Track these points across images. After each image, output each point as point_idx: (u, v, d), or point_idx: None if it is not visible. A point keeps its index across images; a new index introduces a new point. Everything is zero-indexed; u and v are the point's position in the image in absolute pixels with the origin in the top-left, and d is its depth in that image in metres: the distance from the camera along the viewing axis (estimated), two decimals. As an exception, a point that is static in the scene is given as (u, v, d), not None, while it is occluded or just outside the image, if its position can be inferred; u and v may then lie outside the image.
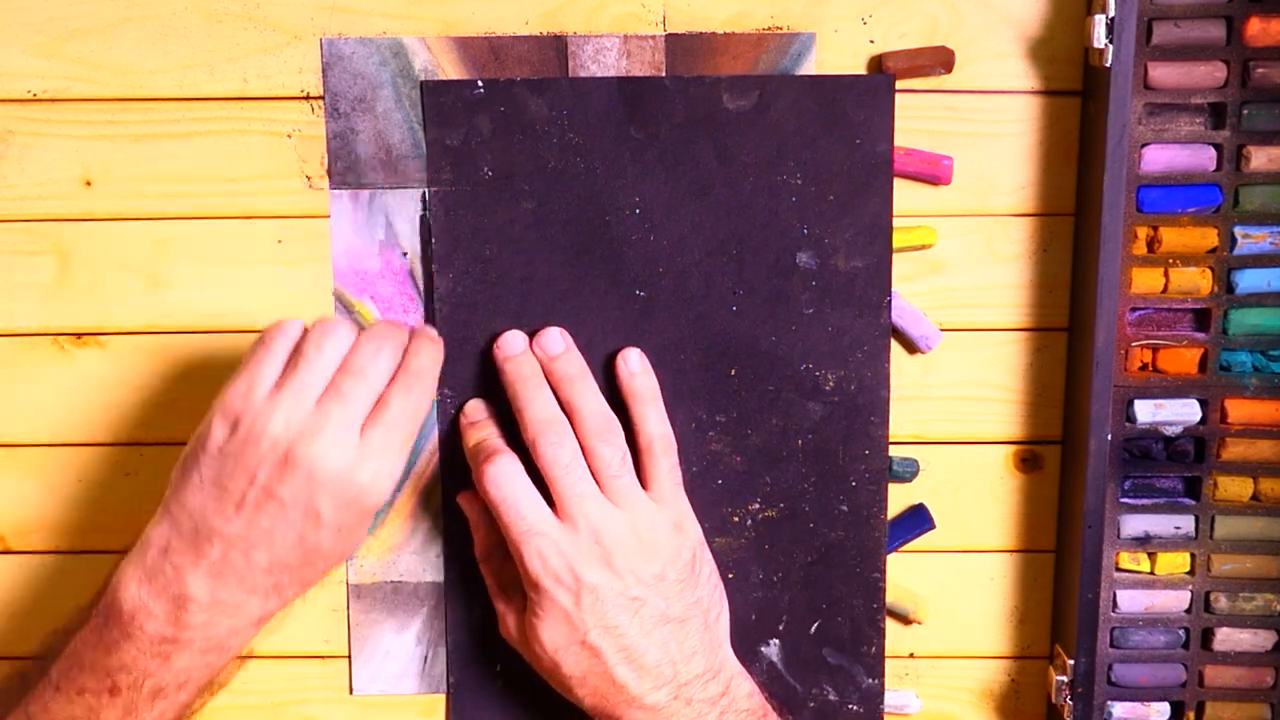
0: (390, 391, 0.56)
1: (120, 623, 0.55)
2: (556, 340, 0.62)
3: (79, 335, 0.65)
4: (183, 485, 0.56)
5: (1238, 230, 0.62)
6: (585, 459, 0.60)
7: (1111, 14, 0.58)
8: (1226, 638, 0.65)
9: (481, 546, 0.64)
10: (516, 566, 0.62)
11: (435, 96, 0.62)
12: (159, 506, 0.57)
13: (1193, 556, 0.64)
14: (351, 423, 0.55)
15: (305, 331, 0.57)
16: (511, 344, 0.62)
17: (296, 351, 0.56)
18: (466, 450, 0.62)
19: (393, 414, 0.56)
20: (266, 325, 0.57)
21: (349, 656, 0.67)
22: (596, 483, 0.60)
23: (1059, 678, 0.65)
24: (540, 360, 0.62)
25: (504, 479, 0.59)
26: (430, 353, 0.58)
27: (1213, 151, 0.61)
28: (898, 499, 0.66)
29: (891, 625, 0.67)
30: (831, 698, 0.66)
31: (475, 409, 0.64)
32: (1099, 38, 0.58)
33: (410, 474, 0.65)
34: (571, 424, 0.60)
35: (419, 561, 0.66)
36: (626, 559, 0.59)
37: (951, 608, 0.67)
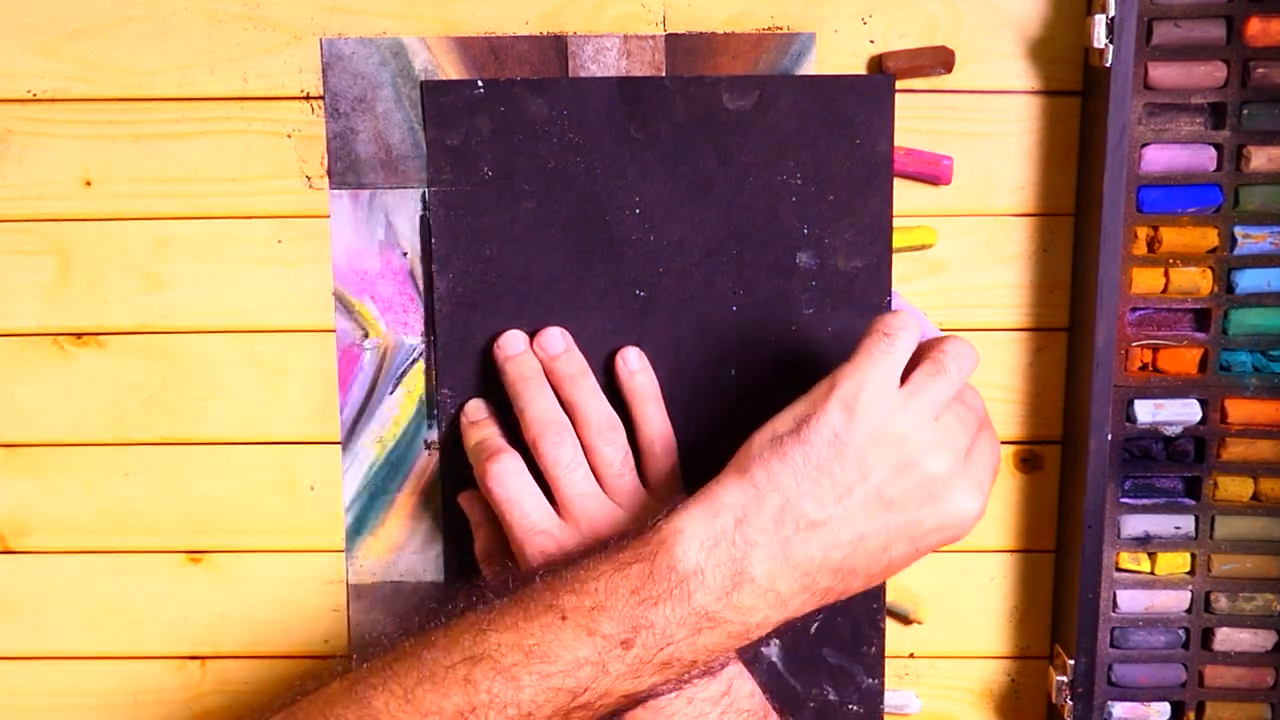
0: (982, 434, 0.54)
1: (668, 580, 0.51)
2: (557, 340, 0.62)
3: (79, 335, 0.65)
4: (777, 459, 0.52)
5: (1238, 230, 0.62)
6: (587, 458, 0.60)
7: (1111, 14, 0.58)
8: (1226, 638, 0.65)
9: (482, 547, 0.64)
10: (515, 568, 0.62)
11: (435, 96, 0.62)
12: (733, 470, 0.53)
13: (1193, 556, 0.64)
14: (966, 449, 0.53)
15: (937, 338, 0.55)
16: (512, 343, 0.62)
17: (927, 361, 0.53)
18: (468, 449, 0.62)
19: (987, 457, 0.54)
20: (884, 315, 0.54)
21: (349, 656, 0.67)
22: (599, 482, 0.60)
23: (1059, 678, 0.65)
24: (541, 360, 0.62)
25: (506, 478, 0.59)
26: (994, 434, 0.55)
27: (1213, 151, 0.61)
28: (898, 499, 0.66)
29: (891, 625, 0.67)
30: (831, 698, 0.66)
31: (476, 409, 0.63)
32: (1099, 38, 0.58)
33: (410, 474, 0.65)
34: (573, 423, 0.60)
35: (419, 561, 0.66)
36: (627, 558, 0.59)
37: (951, 608, 0.67)
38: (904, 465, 0.52)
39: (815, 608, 0.54)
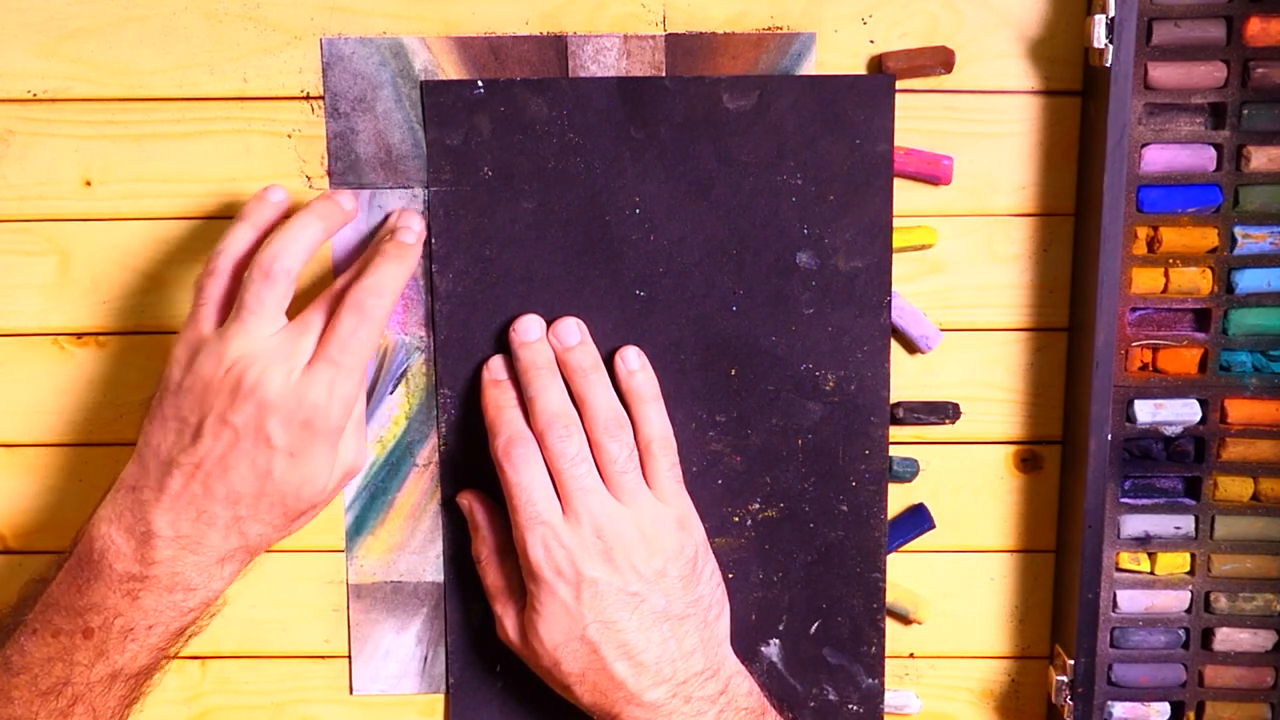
0: (341, 310, 0.57)
1: (91, 562, 0.57)
2: (573, 331, 0.62)
3: (79, 335, 0.65)
4: (148, 425, 0.58)
5: (1238, 230, 0.62)
6: (592, 453, 0.60)
7: (1111, 14, 0.58)
8: (1226, 638, 0.65)
9: (479, 548, 0.64)
10: (514, 569, 0.62)
11: (435, 96, 0.62)
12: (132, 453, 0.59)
13: (1193, 556, 0.64)
14: (301, 350, 0.57)
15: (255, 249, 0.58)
16: (528, 329, 0.63)
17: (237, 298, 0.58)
18: (486, 410, 0.62)
19: (342, 333, 0.57)
20: (199, 276, 0.59)
21: (349, 656, 0.67)
22: (602, 478, 0.60)
23: (1059, 678, 0.65)
24: (555, 350, 0.62)
25: (523, 463, 0.60)
26: (391, 271, 0.58)
27: (1213, 151, 0.61)
28: (898, 499, 0.66)
29: (891, 625, 0.67)
30: (831, 698, 0.66)
31: (498, 366, 0.63)
32: (1099, 38, 0.58)
33: (410, 473, 0.65)
34: (580, 417, 0.61)
35: (419, 561, 0.66)
36: (627, 555, 0.59)
37: (951, 608, 0.67)
38: (234, 387, 0.56)
39: (248, 541, 0.58)
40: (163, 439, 0.57)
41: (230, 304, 0.58)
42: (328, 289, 0.59)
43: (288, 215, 0.60)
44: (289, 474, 0.57)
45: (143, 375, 0.65)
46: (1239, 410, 0.63)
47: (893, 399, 0.64)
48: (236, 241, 0.59)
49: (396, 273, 0.59)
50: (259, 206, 0.60)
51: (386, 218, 0.63)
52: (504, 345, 0.63)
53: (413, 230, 0.61)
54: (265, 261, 0.57)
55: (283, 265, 0.57)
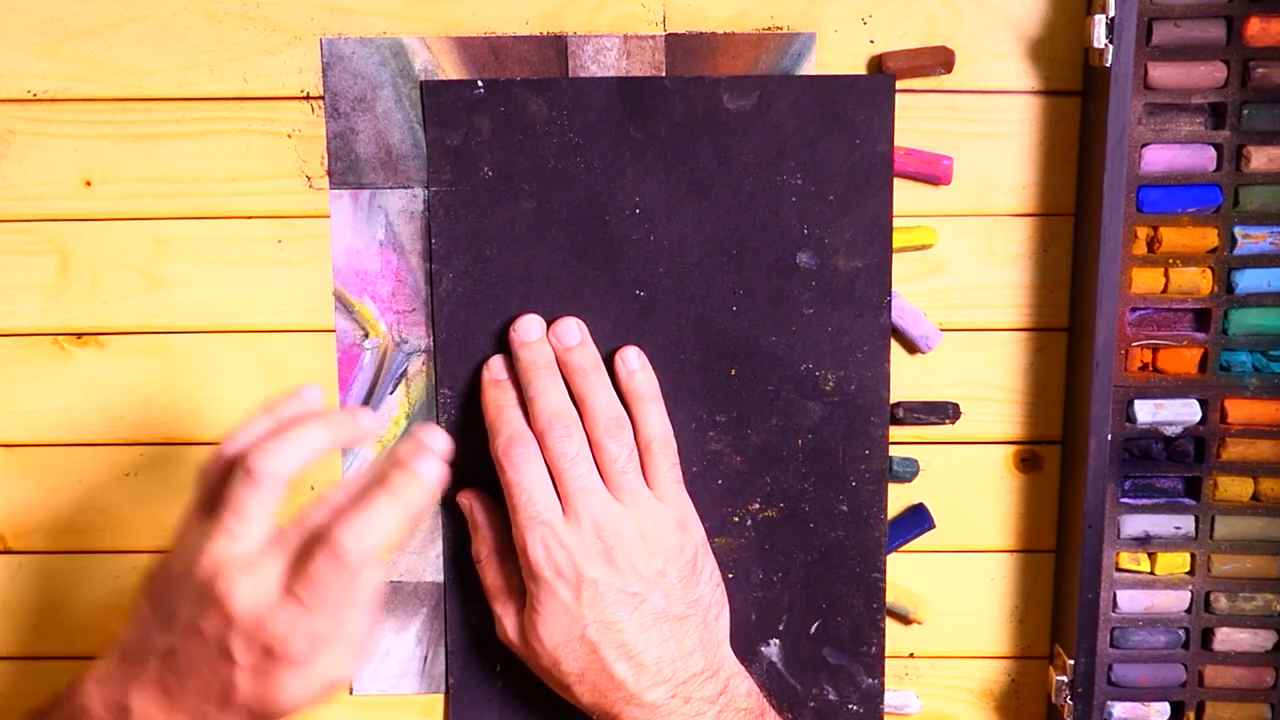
0: (317, 549, 0.52)
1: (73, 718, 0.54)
2: (573, 331, 0.62)
3: (79, 335, 0.65)
4: (144, 596, 0.55)
5: (1238, 230, 0.62)
6: (593, 454, 0.60)
7: (1111, 14, 0.58)
8: (1226, 638, 0.65)
9: (479, 548, 0.64)
10: (514, 568, 0.62)
11: (435, 96, 0.62)
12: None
13: (1193, 556, 0.64)
14: (274, 567, 0.52)
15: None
16: (528, 329, 0.63)
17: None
18: (486, 409, 0.62)
19: (315, 576, 0.52)
20: (231, 430, 0.55)
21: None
22: (604, 478, 0.60)
23: (1059, 678, 0.65)
24: (556, 350, 0.62)
25: (523, 462, 0.60)
26: (386, 511, 0.53)
27: (1213, 151, 0.61)
28: (898, 499, 0.66)
29: (891, 625, 0.67)
30: (831, 698, 0.66)
31: (499, 366, 0.63)
32: (1099, 38, 0.58)
33: (410, 474, 0.65)
34: (581, 417, 0.61)
35: (419, 561, 0.66)
36: (627, 555, 0.59)
37: (951, 608, 0.67)
38: (204, 594, 0.52)
39: None
40: (149, 613, 0.54)
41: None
42: (322, 501, 0.54)
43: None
44: (252, 689, 0.53)
45: (143, 375, 0.65)
46: (1239, 410, 0.63)
47: (893, 399, 0.64)
48: (249, 434, 0.54)
49: (392, 514, 0.52)
50: (287, 401, 0.56)
51: (410, 433, 0.57)
52: (504, 345, 0.63)
53: (434, 457, 0.54)
54: (252, 460, 0.52)
55: (268, 468, 0.52)
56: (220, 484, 0.54)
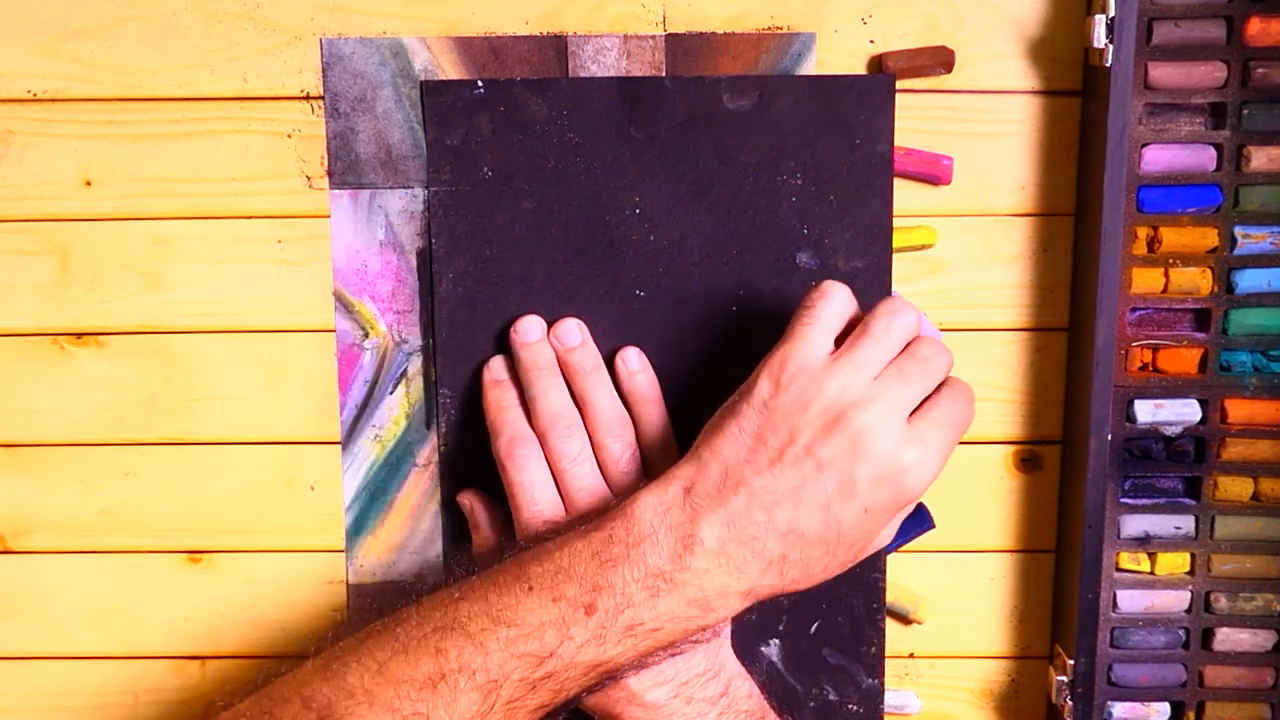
0: (942, 393, 0.55)
1: (625, 543, 0.53)
2: (574, 332, 0.62)
3: (79, 335, 0.65)
4: (718, 433, 0.55)
5: (1238, 230, 0.62)
6: (595, 454, 0.60)
7: (1111, 14, 0.58)
8: (1226, 638, 0.65)
9: (479, 548, 0.64)
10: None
11: (435, 96, 0.62)
12: (689, 450, 0.56)
13: (1193, 556, 0.64)
14: (907, 404, 0.54)
15: (871, 306, 0.56)
16: (529, 330, 0.62)
17: (859, 326, 0.55)
18: (487, 410, 0.62)
19: (943, 412, 0.54)
20: (811, 290, 0.56)
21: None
22: (605, 478, 0.60)
23: (1059, 678, 0.65)
24: (556, 350, 0.62)
25: (525, 461, 0.60)
26: (964, 392, 0.56)
27: (1213, 151, 0.61)
28: (898, 499, 0.66)
29: (891, 625, 0.67)
30: (831, 698, 0.66)
31: (499, 367, 0.63)
32: (1099, 38, 0.58)
33: (410, 474, 0.65)
34: (582, 417, 0.61)
35: (419, 561, 0.66)
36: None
37: (951, 608, 0.67)
38: (832, 423, 0.53)
39: (782, 584, 0.55)
40: (734, 452, 0.54)
41: (848, 330, 0.56)
42: (918, 341, 0.56)
43: None
44: (856, 528, 0.54)
45: (143, 375, 0.65)
46: (1239, 410, 0.63)
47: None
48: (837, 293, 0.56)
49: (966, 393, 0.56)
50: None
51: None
52: (504, 345, 0.63)
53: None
54: (890, 305, 0.55)
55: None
56: (845, 317, 0.56)
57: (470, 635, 0.52)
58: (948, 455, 0.55)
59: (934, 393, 0.55)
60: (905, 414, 0.54)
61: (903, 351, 0.55)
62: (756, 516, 0.53)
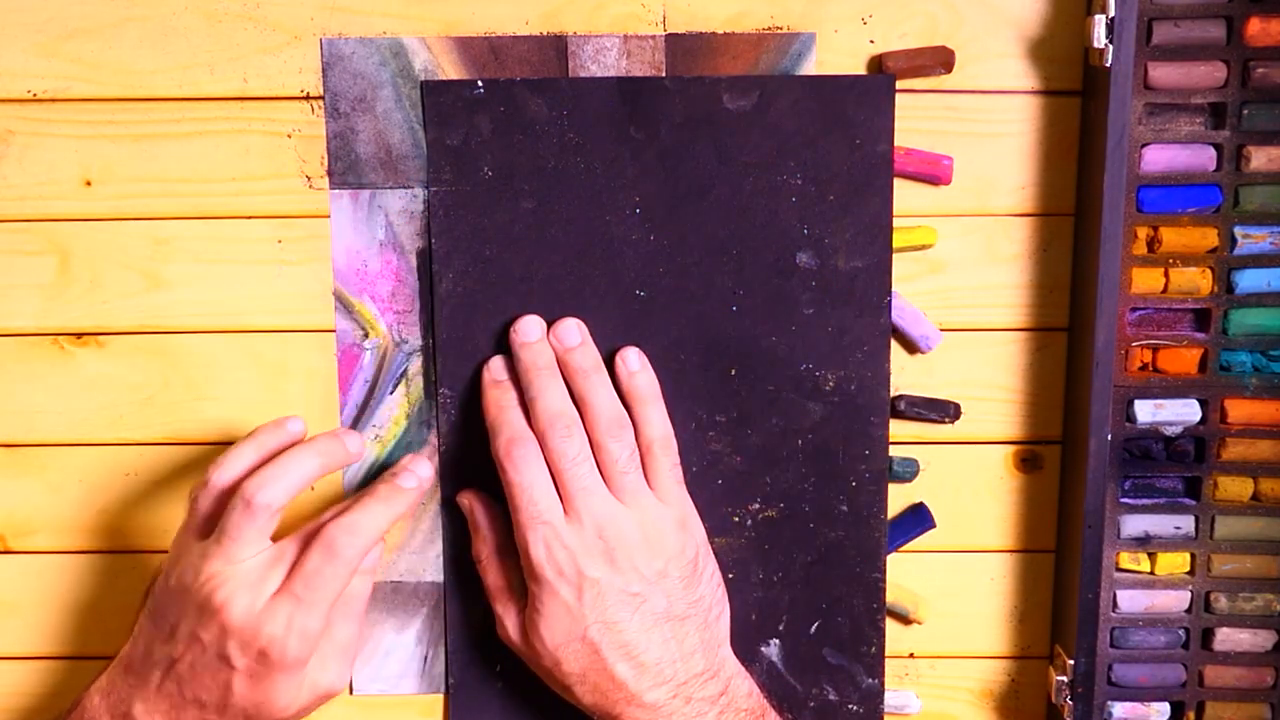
0: (312, 545, 0.58)
1: None
2: (573, 332, 0.62)
3: (79, 335, 0.65)
4: (145, 613, 0.60)
5: (1238, 230, 0.62)
6: (594, 454, 0.60)
7: (1111, 14, 0.58)
8: (1226, 638, 0.65)
9: (480, 548, 0.64)
10: (515, 569, 0.62)
11: (435, 96, 0.62)
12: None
13: (1193, 556, 0.64)
14: (264, 579, 0.57)
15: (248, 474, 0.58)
16: (528, 330, 0.63)
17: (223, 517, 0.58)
18: (487, 410, 0.62)
19: (307, 570, 0.57)
20: (217, 458, 0.59)
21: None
22: (604, 478, 0.60)
23: (1059, 678, 0.65)
24: (556, 350, 0.62)
25: (524, 463, 0.60)
26: (374, 511, 0.59)
27: (1213, 151, 0.61)
28: (898, 499, 0.66)
29: (891, 625, 0.67)
30: (831, 698, 0.66)
31: (499, 367, 0.63)
32: (1099, 38, 0.58)
33: (410, 474, 0.65)
34: (582, 418, 0.61)
35: (419, 561, 0.66)
36: (629, 555, 0.59)
37: (951, 608, 0.67)
38: (203, 605, 0.57)
39: None
40: (149, 631, 0.59)
41: (216, 519, 0.59)
42: (315, 520, 0.60)
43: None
44: (249, 693, 0.58)
45: (143, 375, 0.65)
46: (1239, 410, 0.63)
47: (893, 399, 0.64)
48: (236, 462, 0.59)
49: (379, 514, 0.59)
50: (272, 432, 0.60)
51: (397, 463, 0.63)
52: (504, 345, 0.63)
53: (415, 476, 0.61)
54: (249, 492, 0.57)
55: (264, 499, 0.57)
56: (214, 510, 0.59)
57: None
58: (321, 611, 0.57)
59: (304, 555, 0.58)
60: (265, 588, 0.57)
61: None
62: (171, 691, 0.58)
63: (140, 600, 0.62)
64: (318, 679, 0.60)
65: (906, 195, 0.63)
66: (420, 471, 0.62)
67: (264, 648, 0.57)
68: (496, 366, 0.63)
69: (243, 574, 0.57)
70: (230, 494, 0.58)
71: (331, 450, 0.59)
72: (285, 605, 0.57)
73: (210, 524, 0.59)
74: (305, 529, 0.59)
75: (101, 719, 0.59)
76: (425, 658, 0.67)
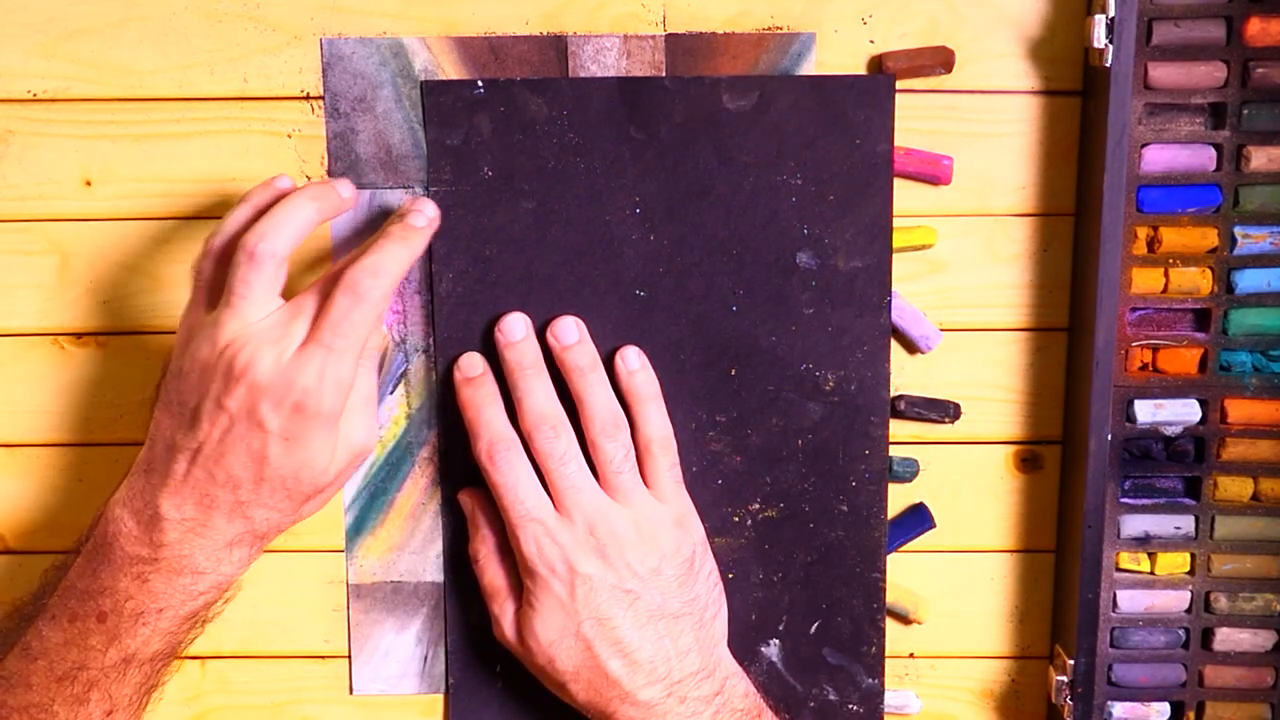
0: (336, 291, 0.55)
1: (105, 545, 0.57)
2: (571, 330, 0.62)
3: (79, 335, 0.65)
4: (156, 408, 0.58)
5: (1238, 230, 0.62)
6: (590, 454, 0.60)
7: (1111, 14, 0.58)
8: (1226, 638, 0.65)
9: (478, 546, 0.64)
10: (512, 568, 0.62)
11: (435, 96, 0.62)
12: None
13: (1193, 556, 0.64)
14: (287, 332, 0.55)
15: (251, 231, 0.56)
16: (513, 329, 0.62)
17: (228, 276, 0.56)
18: (464, 414, 0.62)
19: (335, 315, 0.55)
20: (197, 259, 0.58)
21: (349, 656, 0.67)
22: (599, 477, 0.60)
23: (1059, 678, 0.65)
24: (554, 349, 0.62)
25: (506, 465, 0.60)
26: (393, 252, 0.56)
27: (1213, 151, 0.61)
28: (898, 499, 0.66)
29: (891, 625, 0.67)
30: (831, 698, 0.66)
31: (470, 364, 0.63)
32: (1099, 38, 0.58)
33: (410, 474, 0.65)
34: (579, 416, 0.61)
35: (419, 561, 0.66)
36: (621, 552, 0.60)
37: (951, 608, 0.67)
38: (226, 371, 0.55)
39: (254, 527, 0.57)
40: (166, 423, 0.57)
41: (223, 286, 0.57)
42: (326, 271, 0.59)
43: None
44: (285, 458, 0.56)
45: (143, 375, 0.65)
46: (1239, 410, 0.63)
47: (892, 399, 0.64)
48: (232, 222, 0.58)
49: (399, 255, 0.56)
50: (263, 191, 0.58)
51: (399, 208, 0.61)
52: (504, 345, 0.63)
53: (424, 215, 0.59)
54: (250, 243, 0.55)
55: (267, 247, 0.55)
56: (216, 274, 0.57)
57: (19, 672, 0.57)
58: (353, 354, 0.55)
59: (333, 291, 0.55)
60: (289, 340, 0.55)
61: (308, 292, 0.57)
62: (199, 476, 0.56)
63: (154, 395, 0.59)
64: (351, 436, 0.58)
65: (906, 195, 0.63)
66: (427, 210, 0.59)
67: (299, 400, 0.55)
68: (466, 364, 0.63)
69: (263, 331, 0.55)
70: (231, 254, 0.56)
71: (326, 195, 0.57)
72: (316, 354, 0.55)
73: (216, 291, 0.57)
74: (319, 281, 0.57)
75: (127, 527, 0.56)
76: (425, 658, 0.67)
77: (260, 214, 0.57)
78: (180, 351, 0.57)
